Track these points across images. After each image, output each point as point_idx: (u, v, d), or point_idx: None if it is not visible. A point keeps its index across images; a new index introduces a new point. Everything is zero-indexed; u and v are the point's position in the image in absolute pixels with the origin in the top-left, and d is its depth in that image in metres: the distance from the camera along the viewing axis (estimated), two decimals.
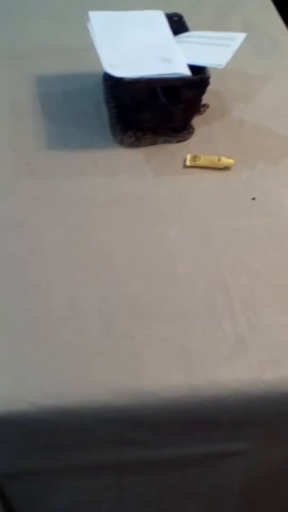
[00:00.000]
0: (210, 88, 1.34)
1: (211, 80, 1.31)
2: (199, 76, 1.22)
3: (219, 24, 1.61)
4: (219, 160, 1.23)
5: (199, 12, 1.62)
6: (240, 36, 1.28)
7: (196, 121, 1.32)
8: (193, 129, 1.30)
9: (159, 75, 1.20)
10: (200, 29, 1.49)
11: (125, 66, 1.21)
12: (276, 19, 1.67)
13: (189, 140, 1.29)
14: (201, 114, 1.35)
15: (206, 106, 1.37)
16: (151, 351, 0.94)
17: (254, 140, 1.31)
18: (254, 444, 0.97)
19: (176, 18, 1.37)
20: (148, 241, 1.09)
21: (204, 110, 1.36)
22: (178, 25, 1.36)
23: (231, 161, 1.24)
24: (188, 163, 1.23)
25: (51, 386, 0.89)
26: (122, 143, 1.26)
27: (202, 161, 1.23)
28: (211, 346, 0.95)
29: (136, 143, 1.26)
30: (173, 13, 1.38)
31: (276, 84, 1.45)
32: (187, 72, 1.21)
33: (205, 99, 1.34)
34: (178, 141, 1.28)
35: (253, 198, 1.18)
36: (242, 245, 1.10)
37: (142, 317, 0.98)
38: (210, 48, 1.27)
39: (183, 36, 1.32)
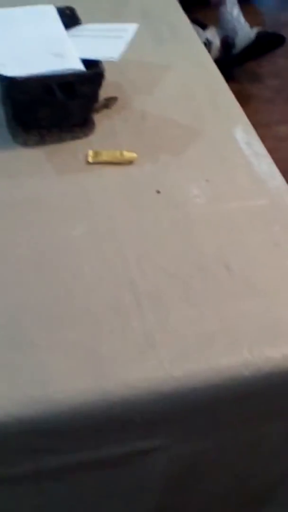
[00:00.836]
0: (110, 80, 1.32)
1: (111, 72, 1.29)
2: (93, 70, 1.20)
3: (116, 14, 1.59)
4: (121, 154, 1.22)
5: (96, 3, 1.60)
6: (132, 27, 1.26)
7: (97, 115, 1.29)
8: (93, 124, 1.27)
9: (52, 71, 1.17)
10: (97, 20, 1.47)
11: (16, 64, 1.17)
12: (174, 4, 1.66)
13: (91, 136, 1.26)
14: (109, 108, 1.33)
15: (113, 99, 1.34)
16: (58, 357, 0.91)
17: (156, 131, 1.29)
18: (169, 440, 0.96)
19: (68, 12, 1.34)
20: (52, 243, 1.07)
21: (112, 104, 1.34)
22: (70, 18, 1.33)
23: (133, 155, 1.22)
24: (90, 159, 1.21)
25: None
26: (20, 143, 1.23)
27: (104, 156, 1.21)
28: (120, 347, 0.93)
29: (34, 143, 1.23)
30: (65, 7, 1.35)
31: (175, 72, 1.44)
32: (80, 67, 1.18)
33: (106, 92, 1.32)
34: (79, 138, 1.25)
35: (158, 191, 1.17)
36: (148, 240, 1.09)
37: (48, 323, 0.95)
38: (103, 41, 1.25)
39: (76, 30, 1.30)
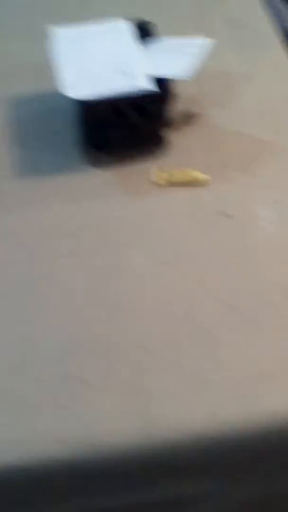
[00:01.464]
0: (188, 93, 1.29)
1: (189, 85, 1.26)
2: (163, 89, 1.16)
3: (199, 21, 1.54)
4: (192, 175, 1.18)
5: (178, 11, 1.56)
6: (207, 43, 1.21)
7: (172, 133, 1.26)
8: (166, 143, 1.24)
9: (121, 92, 1.15)
10: (179, 29, 1.43)
11: (84, 86, 1.16)
12: (261, 12, 1.59)
13: (164, 156, 1.23)
14: (187, 124, 1.29)
15: (191, 115, 1.31)
16: (107, 395, 0.90)
17: (232, 149, 1.24)
18: (218, 487, 0.93)
19: (144, 25, 1.31)
20: (112, 272, 1.05)
21: (190, 120, 1.30)
22: (146, 32, 1.30)
23: (205, 176, 1.18)
24: (160, 181, 1.18)
25: None
26: (92, 164, 1.22)
27: (175, 178, 1.18)
28: (170, 386, 0.91)
29: (105, 164, 1.21)
30: (141, 20, 1.32)
31: (257, 83, 1.38)
32: (150, 87, 1.15)
33: (183, 106, 1.29)
34: (150, 158, 1.22)
35: (227, 215, 1.12)
36: (211, 268, 1.05)
37: (100, 358, 0.94)
38: (176, 57, 1.21)
39: (149, 44, 1.26)
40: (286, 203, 1.13)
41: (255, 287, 1.01)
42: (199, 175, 1.18)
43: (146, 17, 1.38)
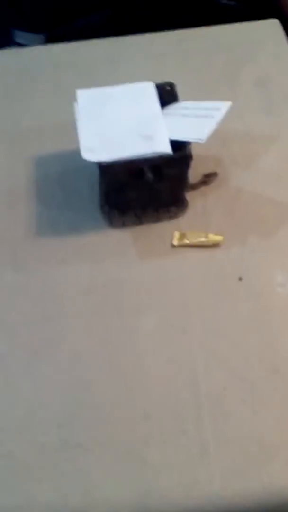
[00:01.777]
0: (211, 153, 1.30)
1: (213, 145, 1.26)
2: (181, 153, 1.17)
3: (231, 80, 1.56)
4: (206, 237, 1.18)
5: (212, 68, 1.58)
6: (225, 105, 1.22)
7: (192, 193, 1.26)
8: (184, 205, 1.24)
9: (139, 155, 1.16)
10: (208, 88, 1.46)
11: (103, 149, 1.18)
12: None
13: (180, 216, 1.23)
14: (207, 184, 1.30)
15: (213, 175, 1.31)
16: (105, 465, 0.89)
17: (249, 211, 1.24)
18: None
19: (168, 88, 1.33)
20: (121, 335, 1.05)
21: (211, 181, 1.31)
22: (170, 94, 1.32)
23: (219, 237, 1.18)
24: (175, 242, 1.18)
25: None
26: (110, 225, 1.23)
27: (189, 239, 1.18)
28: (171, 456, 0.90)
29: (123, 225, 1.22)
30: (165, 82, 1.33)
31: (281, 145, 1.37)
32: (167, 150, 1.16)
33: (205, 166, 1.30)
34: (168, 219, 1.23)
35: (240, 279, 1.11)
36: (221, 334, 1.04)
37: (103, 424, 0.94)
38: (194, 120, 1.22)
39: (170, 108, 1.28)
40: None
41: (266, 356, 1.00)
42: (211, 236, 1.18)
43: (175, 77, 1.41)
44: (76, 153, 1.21)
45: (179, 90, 1.30)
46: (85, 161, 1.19)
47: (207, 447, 0.90)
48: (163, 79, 1.31)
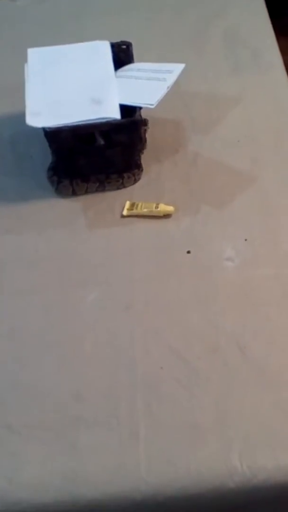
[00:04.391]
0: (170, 117, 1.25)
1: (174, 106, 1.22)
2: (129, 119, 1.12)
3: (199, 36, 1.49)
4: (157, 207, 1.13)
5: (182, 23, 1.51)
6: (178, 68, 1.16)
7: (147, 158, 1.21)
8: (138, 172, 1.19)
9: (85, 121, 1.11)
10: (174, 45, 1.40)
11: (50, 113, 1.13)
12: (265, 26, 1.52)
13: (132, 184, 1.18)
14: (165, 151, 1.24)
15: (170, 142, 1.26)
16: (33, 448, 0.87)
17: (204, 178, 1.19)
18: None
19: (124, 47, 1.27)
20: (61, 311, 1.02)
21: (166, 147, 1.25)
22: (125, 54, 1.26)
23: (170, 208, 1.13)
24: (125, 212, 1.14)
25: None
26: (60, 193, 1.18)
27: (139, 209, 1.14)
28: (99, 441, 0.87)
29: (73, 193, 1.18)
30: (121, 41, 1.27)
31: (245, 107, 1.32)
32: (115, 115, 1.11)
33: (163, 130, 1.24)
34: (119, 187, 1.18)
35: (188, 252, 1.07)
36: (163, 311, 1.00)
37: (33, 404, 0.91)
38: (145, 83, 1.16)
39: (124, 69, 1.22)
40: (253, 242, 1.07)
41: (206, 335, 0.97)
42: (162, 206, 1.13)
43: (142, 34, 1.34)
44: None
45: (145, 47, 1.24)
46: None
47: (137, 431, 0.87)
48: (129, 35, 1.24)
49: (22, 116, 1.28)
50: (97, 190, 1.18)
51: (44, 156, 1.22)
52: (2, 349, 0.97)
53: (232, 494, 0.82)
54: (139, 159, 1.20)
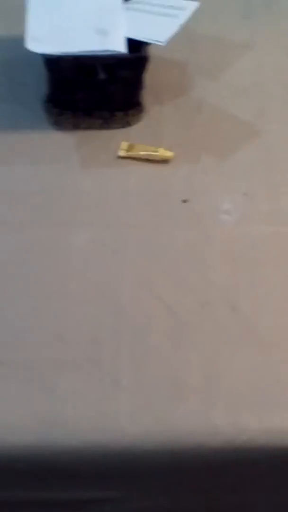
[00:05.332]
0: (175, 58, 1.19)
1: (180, 49, 1.16)
2: (136, 54, 1.06)
3: None
4: (156, 151, 1.08)
5: None
6: (192, 5, 1.09)
7: (148, 99, 1.15)
8: (138, 111, 1.13)
9: (89, 51, 1.04)
10: None
11: (52, 40, 1.06)
12: None
13: (131, 124, 1.13)
14: (167, 94, 1.18)
15: (174, 84, 1.20)
16: (11, 386, 0.83)
17: (207, 126, 1.14)
18: (123, 494, 0.86)
19: None
20: (48, 250, 0.97)
21: (169, 89, 1.19)
22: None
23: (170, 153, 1.08)
24: (121, 153, 1.09)
25: None
26: (54, 125, 1.13)
27: (137, 151, 1.09)
28: (80, 386, 0.84)
29: (68, 126, 1.12)
30: None
31: (254, 54, 1.26)
32: (121, 49, 1.05)
33: (166, 72, 1.18)
34: (118, 126, 1.12)
35: (184, 201, 1.03)
36: (154, 260, 0.96)
37: (12, 342, 0.87)
38: (156, 19, 1.10)
39: (133, 1, 1.15)
40: (253, 197, 1.03)
41: (197, 288, 0.93)
42: (161, 150, 1.08)
43: None
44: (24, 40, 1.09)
45: None
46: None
47: (120, 380, 0.84)
48: None
49: (17, 40, 1.21)
50: (94, 127, 1.12)
51: (39, 85, 1.16)
52: None
53: (214, 453, 0.80)
54: (141, 98, 1.14)
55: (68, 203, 1.02)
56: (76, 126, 1.12)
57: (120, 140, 1.10)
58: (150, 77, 1.12)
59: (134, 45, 1.05)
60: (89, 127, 1.10)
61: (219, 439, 0.80)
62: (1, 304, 0.90)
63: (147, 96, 1.15)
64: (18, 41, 1.20)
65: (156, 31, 1.07)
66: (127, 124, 1.11)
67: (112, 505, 0.86)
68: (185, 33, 1.10)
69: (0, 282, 0.93)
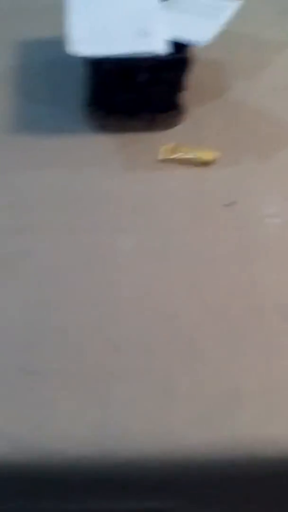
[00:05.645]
0: (212, 58, 1.17)
1: (216, 49, 1.14)
2: (178, 55, 1.04)
3: None
4: (198, 153, 1.07)
5: None
6: (234, 5, 1.08)
7: (186, 101, 1.14)
8: (179, 114, 1.12)
9: (131, 53, 1.03)
10: None
11: (93, 42, 1.05)
12: None
13: (172, 126, 1.12)
14: (206, 95, 1.17)
15: (213, 85, 1.18)
16: (66, 396, 0.83)
17: (250, 127, 1.13)
18: (178, 503, 0.85)
19: None
20: (95, 255, 0.96)
21: (208, 90, 1.18)
22: None
23: (212, 156, 1.07)
24: (163, 156, 1.08)
25: None
26: (95, 129, 1.12)
27: (179, 154, 1.08)
28: (136, 395, 0.83)
29: (109, 130, 1.11)
30: None
31: None
32: (164, 50, 1.03)
33: (204, 73, 1.17)
34: (159, 129, 1.11)
35: (229, 204, 1.02)
36: (202, 265, 0.95)
37: (64, 352, 0.86)
38: (196, 19, 1.09)
39: (172, 1, 1.13)
40: None
41: (246, 294, 0.92)
42: (204, 152, 1.07)
43: None
44: (64, 42, 1.08)
45: None
46: None
47: (174, 387, 0.83)
48: None
49: (55, 42, 1.21)
50: (134, 130, 1.11)
51: (77, 87, 1.15)
52: (31, 291, 0.92)
53: (271, 463, 0.79)
54: (181, 100, 1.13)
55: (111, 207, 1.02)
56: (119, 129, 1.11)
57: (161, 142, 1.09)
58: (188, 78, 1.11)
59: (173, 47, 1.04)
60: (133, 130, 1.09)
61: (277, 448, 0.79)
62: (54, 313, 0.89)
63: (186, 97, 1.14)
64: (55, 43, 1.19)
65: (197, 32, 1.05)
66: (171, 126, 1.10)
67: None
68: (220, 32, 1.08)
69: (48, 290, 0.92)
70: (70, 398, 0.83)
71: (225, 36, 1.16)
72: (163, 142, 1.09)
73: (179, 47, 1.05)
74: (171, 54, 1.03)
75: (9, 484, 0.82)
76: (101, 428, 0.80)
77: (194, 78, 1.13)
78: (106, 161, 1.08)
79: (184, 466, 0.80)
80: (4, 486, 0.82)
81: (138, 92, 1.08)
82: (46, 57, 1.22)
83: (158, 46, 1.04)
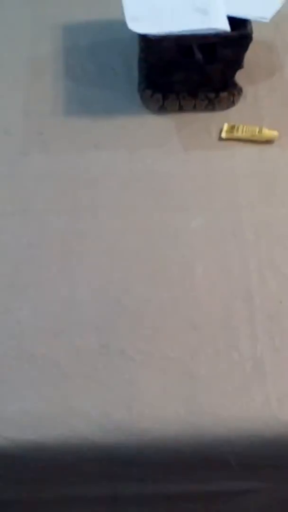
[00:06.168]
0: (262, 39, 1.15)
1: (265, 28, 1.12)
2: (240, 31, 1.02)
3: None
4: (260, 132, 1.05)
5: None
6: None
7: (240, 80, 1.12)
8: (235, 92, 1.10)
9: (191, 31, 1.01)
10: None
11: (152, 20, 1.03)
12: None
13: (230, 105, 1.10)
14: (262, 74, 1.15)
15: (268, 65, 1.16)
16: (150, 376, 0.80)
17: None
18: (268, 484, 0.83)
19: None
20: (164, 233, 0.94)
21: (264, 70, 1.16)
22: None
23: (275, 133, 1.05)
24: (223, 135, 1.06)
25: (28, 419, 0.77)
26: (150, 108, 1.09)
27: (240, 132, 1.05)
28: (222, 373, 0.81)
29: (165, 109, 1.09)
30: None
31: None
32: (224, 27, 1.01)
33: (255, 51, 1.15)
34: (215, 107, 1.09)
35: None
36: (277, 241, 0.93)
37: (145, 331, 0.84)
38: None
39: None
40: None
41: None
42: (266, 130, 1.05)
43: None
44: (117, 22, 1.06)
45: None
46: (126, 33, 1.03)
47: (262, 365, 0.81)
48: None
49: (98, 24, 1.19)
50: (192, 110, 1.09)
51: (127, 68, 1.13)
52: (104, 269, 0.90)
53: None
54: (236, 80, 1.11)
55: (174, 187, 1.00)
56: (171, 109, 1.08)
57: (220, 121, 1.07)
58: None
59: (232, 24, 1.02)
60: (194, 109, 1.07)
61: None
62: (128, 293, 0.87)
63: (238, 76, 1.12)
64: (101, 26, 1.18)
65: (258, 8, 1.03)
66: (232, 104, 1.08)
67: (257, 496, 0.83)
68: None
69: (121, 270, 0.89)
70: (155, 377, 0.80)
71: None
72: (222, 121, 1.06)
73: (237, 25, 1.03)
74: (231, 31, 1.01)
75: (96, 467, 0.80)
76: (191, 407, 0.78)
77: (248, 57, 1.11)
78: (166, 142, 1.06)
79: (280, 444, 0.77)
80: (93, 467, 0.79)
81: (195, 71, 1.06)
82: (87, 41, 1.20)
83: (219, 23, 1.02)
